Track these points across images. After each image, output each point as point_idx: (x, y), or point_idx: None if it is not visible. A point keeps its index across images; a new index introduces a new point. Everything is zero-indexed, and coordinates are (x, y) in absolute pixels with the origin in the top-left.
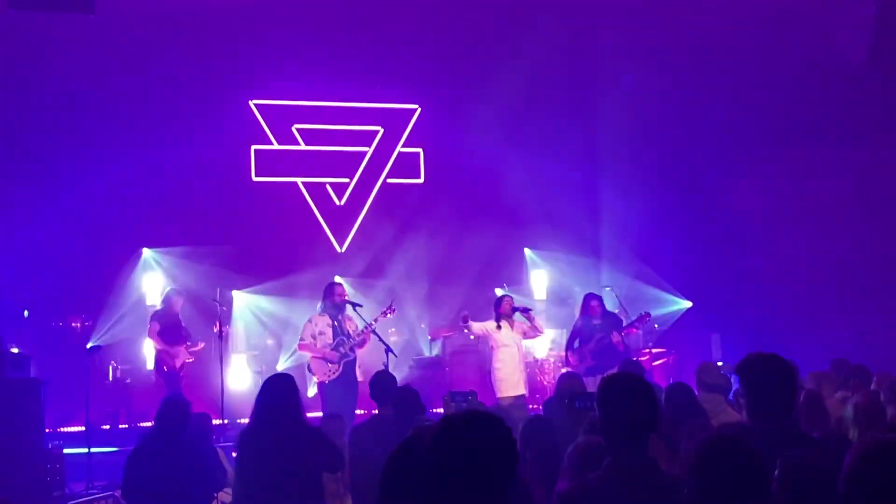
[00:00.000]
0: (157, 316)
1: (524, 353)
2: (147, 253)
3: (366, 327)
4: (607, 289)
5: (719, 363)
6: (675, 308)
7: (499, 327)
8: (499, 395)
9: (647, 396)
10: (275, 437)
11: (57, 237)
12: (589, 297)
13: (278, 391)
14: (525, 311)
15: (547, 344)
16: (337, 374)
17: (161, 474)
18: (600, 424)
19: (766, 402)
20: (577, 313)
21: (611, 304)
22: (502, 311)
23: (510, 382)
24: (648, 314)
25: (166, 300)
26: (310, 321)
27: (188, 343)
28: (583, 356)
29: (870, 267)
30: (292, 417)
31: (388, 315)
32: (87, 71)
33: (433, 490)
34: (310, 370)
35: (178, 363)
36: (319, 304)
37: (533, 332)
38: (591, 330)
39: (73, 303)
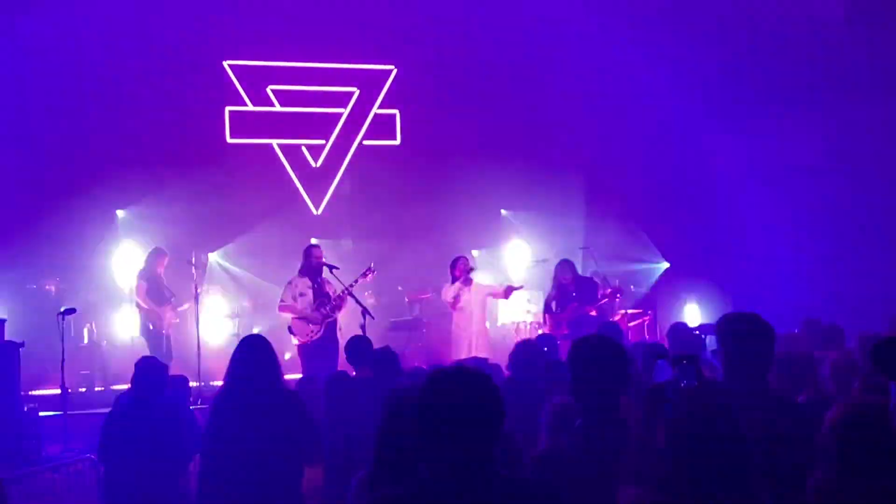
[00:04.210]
0: (142, 275)
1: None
2: (121, 215)
3: (344, 290)
4: (583, 250)
5: (694, 323)
6: (652, 269)
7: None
8: (453, 357)
9: (616, 358)
10: (250, 400)
11: (30, 198)
12: (559, 269)
13: (254, 353)
14: (509, 290)
15: (523, 306)
16: (318, 335)
17: (138, 437)
18: (571, 386)
19: (743, 361)
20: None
21: (586, 266)
22: (458, 273)
23: (461, 346)
24: (620, 290)
25: (150, 259)
26: (290, 283)
27: (173, 303)
28: (558, 323)
29: (847, 228)
30: (269, 380)
31: (368, 277)
32: (57, 31)
33: (422, 443)
34: (291, 331)
35: (164, 324)
36: (300, 264)
37: (501, 296)
38: (567, 296)
39: (47, 265)
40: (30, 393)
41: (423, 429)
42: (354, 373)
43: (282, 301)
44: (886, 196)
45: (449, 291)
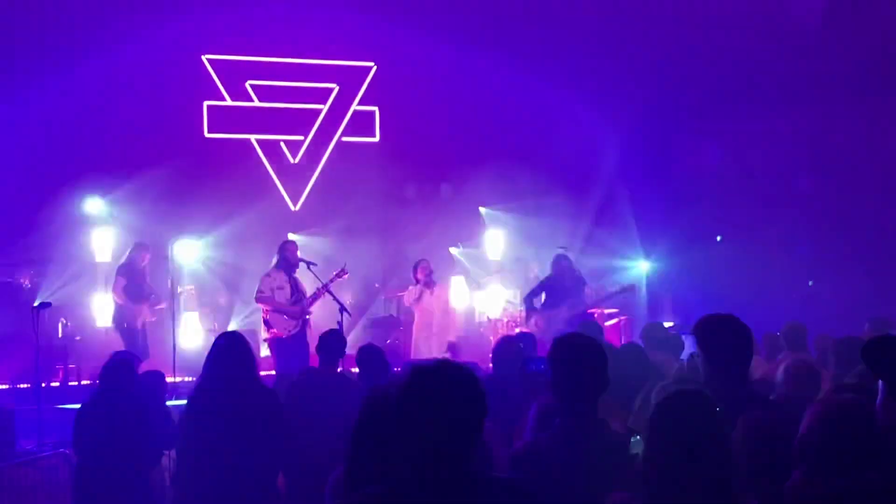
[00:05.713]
0: (122, 270)
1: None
2: (97, 208)
3: (320, 288)
4: (560, 250)
5: (669, 324)
6: (634, 268)
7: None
8: (413, 358)
9: (597, 357)
10: (227, 398)
11: (4, 191)
12: (562, 257)
13: (230, 350)
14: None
15: (501, 304)
16: (296, 329)
17: (108, 431)
18: (552, 385)
19: (723, 363)
20: (533, 272)
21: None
22: (419, 276)
23: (419, 348)
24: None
25: (133, 254)
26: (268, 275)
27: (151, 301)
28: (552, 321)
29: (823, 230)
30: (246, 377)
31: (341, 278)
32: (35, 20)
33: (400, 439)
34: (267, 324)
35: (138, 322)
36: (274, 260)
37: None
38: (563, 291)
39: (21, 258)
40: (4, 387)
41: (403, 426)
42: (319, 367)
43: (260, 292)
44: (867, 197)
45: (411, 295)
